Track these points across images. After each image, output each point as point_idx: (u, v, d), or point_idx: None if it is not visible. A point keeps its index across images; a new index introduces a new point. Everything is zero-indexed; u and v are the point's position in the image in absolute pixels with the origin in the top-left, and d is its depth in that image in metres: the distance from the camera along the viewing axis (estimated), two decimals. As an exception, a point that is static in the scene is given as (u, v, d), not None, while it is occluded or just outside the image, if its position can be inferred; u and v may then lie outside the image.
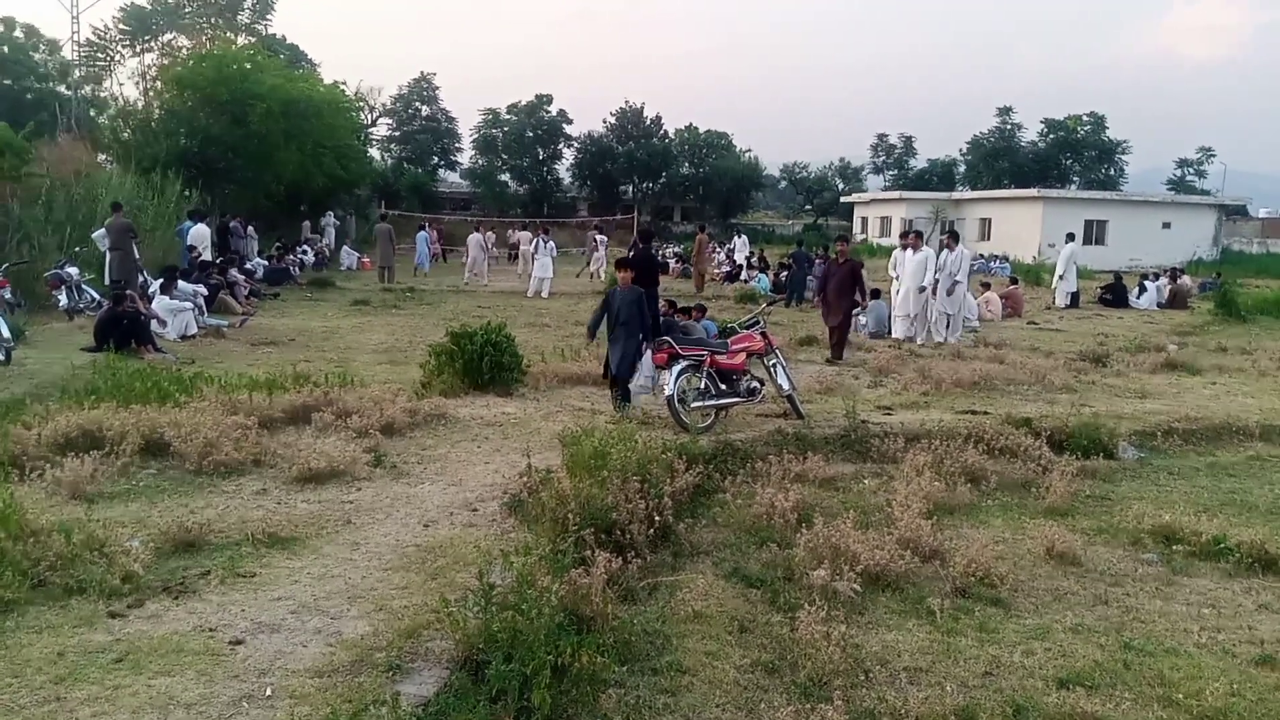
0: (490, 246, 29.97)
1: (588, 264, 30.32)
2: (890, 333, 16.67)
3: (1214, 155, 63.05)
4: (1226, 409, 10.81)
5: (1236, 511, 7.44)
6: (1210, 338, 18.16)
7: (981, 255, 40.21)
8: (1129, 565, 6.27)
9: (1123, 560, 6.36)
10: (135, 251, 16.42)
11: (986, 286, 22.17)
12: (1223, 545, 6.42)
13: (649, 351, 8.93)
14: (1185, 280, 27.39)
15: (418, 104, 61.54)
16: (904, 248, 16.30)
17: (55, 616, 4.67)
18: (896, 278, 16.30)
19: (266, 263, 24.85)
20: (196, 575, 5.26)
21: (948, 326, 16.20)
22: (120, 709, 3.82)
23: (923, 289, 15.54)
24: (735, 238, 35.59)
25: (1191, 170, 63.15)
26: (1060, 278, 23.96)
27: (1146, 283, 25.42)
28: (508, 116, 60.65)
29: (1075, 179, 61.76)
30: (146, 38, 45.34)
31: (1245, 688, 4.56)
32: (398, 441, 8.31)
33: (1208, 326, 20.31)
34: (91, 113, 38.98)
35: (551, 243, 24.71)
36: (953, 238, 16.70)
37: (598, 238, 30.36)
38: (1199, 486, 8.22)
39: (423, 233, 30.34)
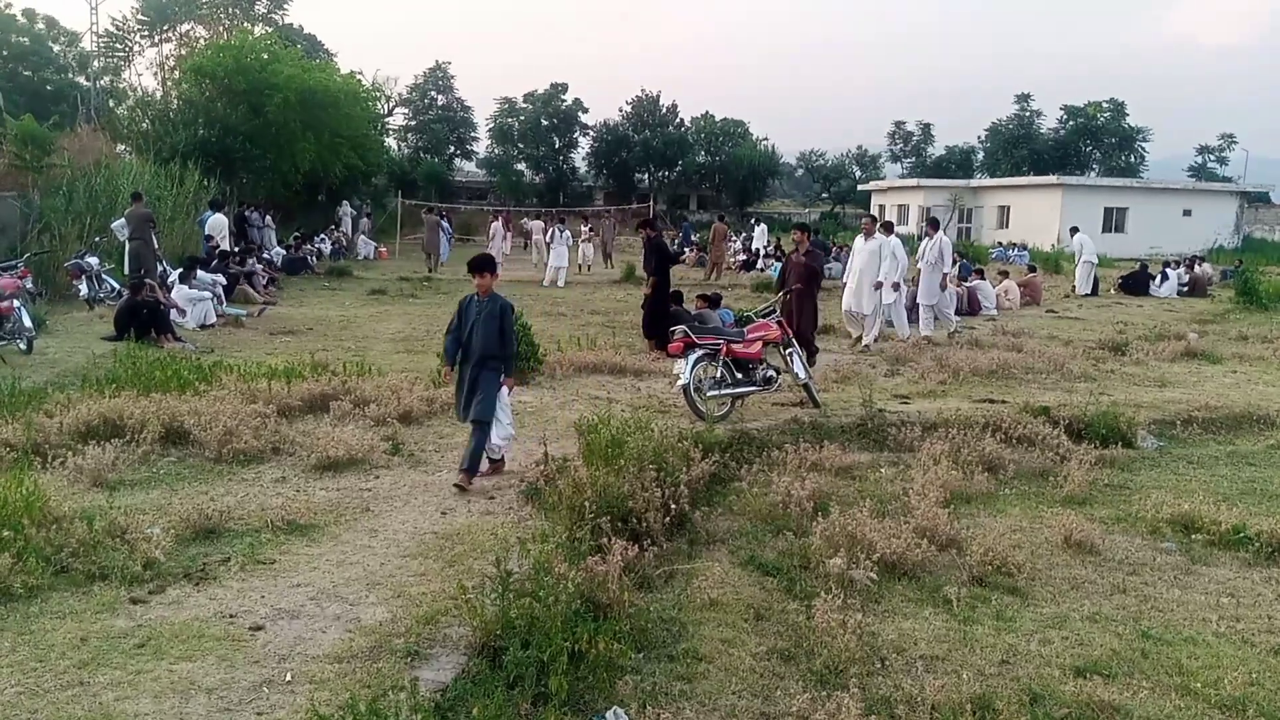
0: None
1: (607, 253, 29.46)
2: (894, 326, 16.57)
3: (1236, 142, 62.46)
4: (1247, 397, 10.73)
5: (1256, 500, 7.39)
6: (1231, 326, 17.99)
7: (1000, 243, 39.99)
8: (1147, 554, 6.24)
9: (1141, 549, 6.33)
10: (154, 241, 16.51)
11: (1005, 275, 22.03)
12: (1242, 534, 6.38)
13: (506, 391, 7.07)
14: (1206, 268, 27.15)
15: (434, 93, 61.59)
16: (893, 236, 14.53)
17: (78, 602, 4.73)
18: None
19: (285, 252, 24.96)
20: (217, 562, 5.31)
21: (936, 320, 15.15)
22: (142, 693, 3.87)
23: (879, 285, 13.65)
24: (755, 226, 35.40)
25: (1213, 157, 62.52)
26: (1085, 261, 23.74)
27: (1168, 270, 25.20)
28: (524, 105, 60.65)
29: (1095, 166, 61.22)
30: (165, 28, 45.43)
31: (1264, 677, 4.53)
32: (415, 430, 8.35)
33: (1228, 315, 20.13)
34: (110, 103, 39.17)
35: (567, 232, 24.68)
36: (933, 225, 15.74)
37: (583, 228, 28.94)
38: (1218, 475, 8.16)
39: (444, 221, 30.34)
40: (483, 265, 7.06)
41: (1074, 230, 24.95)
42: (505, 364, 7.00)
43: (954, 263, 17.21)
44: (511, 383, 7.18)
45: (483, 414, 6.80)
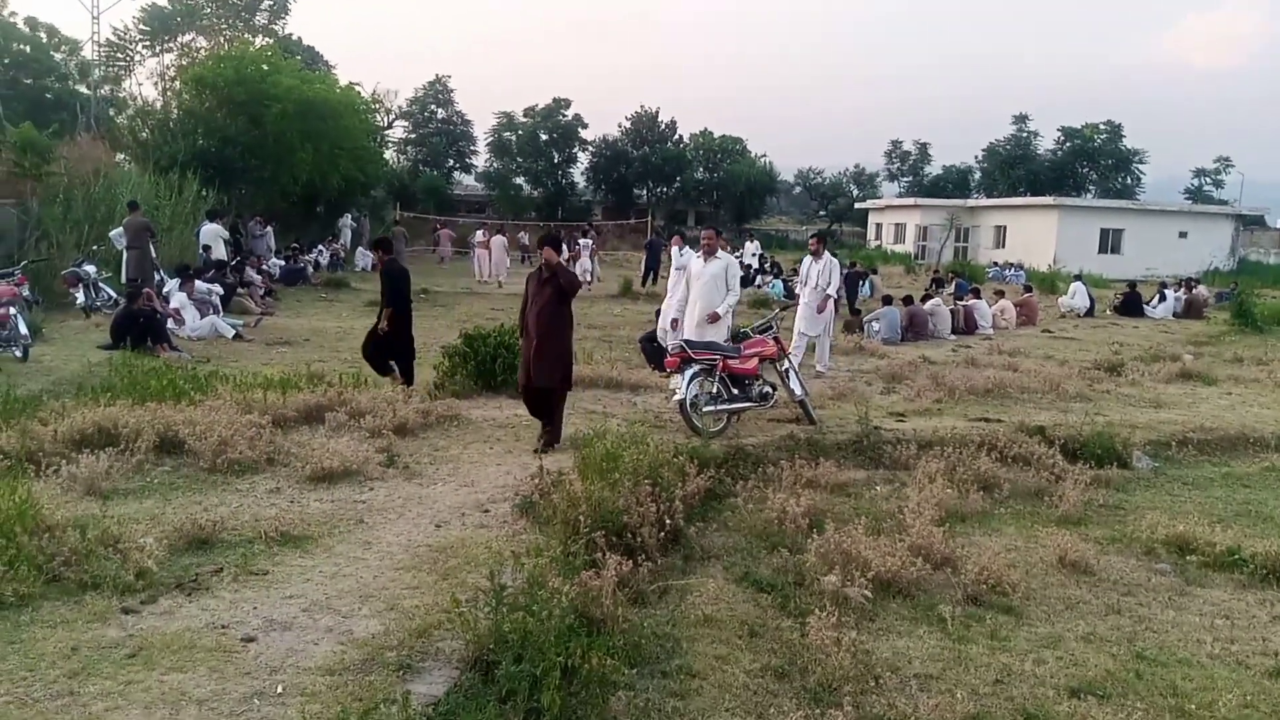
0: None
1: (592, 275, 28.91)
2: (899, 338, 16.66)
3: (1232, 165, 62.63)
4: (1242, 419, 10.74)
5: (1251, 522, 7.39)
6: (1226, 348, 18.04)
7: (996, 263, 40.13)
8: (1142, 575, 6.24)
9: (1136, 570, 6.33)
10: (152, 250, 16.52)
11: (1001, 294, 22.13)
12: (1237, 556, 6.38)
13: None
14: (1201, 290, 27.30)
15: (433, 107, 61.74)
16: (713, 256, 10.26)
17: (69, 611, 4.70)
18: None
19: (283, 263, 24.97)
20: (209, 572, 5.29)
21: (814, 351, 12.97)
22: (133, 704, 3.85)
23: (714, 318, 9.96)
24: (746, 242, 35.46)
25: (1209, 180, 62.73)
26: (1070, 306, 24.52)
27: (1166, 291, 25.35)
28: (523, 120, 60.79)
29: (1091, 188, 61.44)
30: (166, 38, 45.63)
31: (1259, 700, 4.53)
32: (410, 442, 8.34)
33: (1224, 337, 20.19)
34: (110, 112, 39.20)
35: (564, 247, 24.74)
36: (820, 241, 13.08)
37: (581, 242, 28.58)
38: (1213, 497, 8.17)
39: (500, 238, 29.21)
40: None
41: (1077, 276, 25.65)
42: None
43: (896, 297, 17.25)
44: None
45: None
